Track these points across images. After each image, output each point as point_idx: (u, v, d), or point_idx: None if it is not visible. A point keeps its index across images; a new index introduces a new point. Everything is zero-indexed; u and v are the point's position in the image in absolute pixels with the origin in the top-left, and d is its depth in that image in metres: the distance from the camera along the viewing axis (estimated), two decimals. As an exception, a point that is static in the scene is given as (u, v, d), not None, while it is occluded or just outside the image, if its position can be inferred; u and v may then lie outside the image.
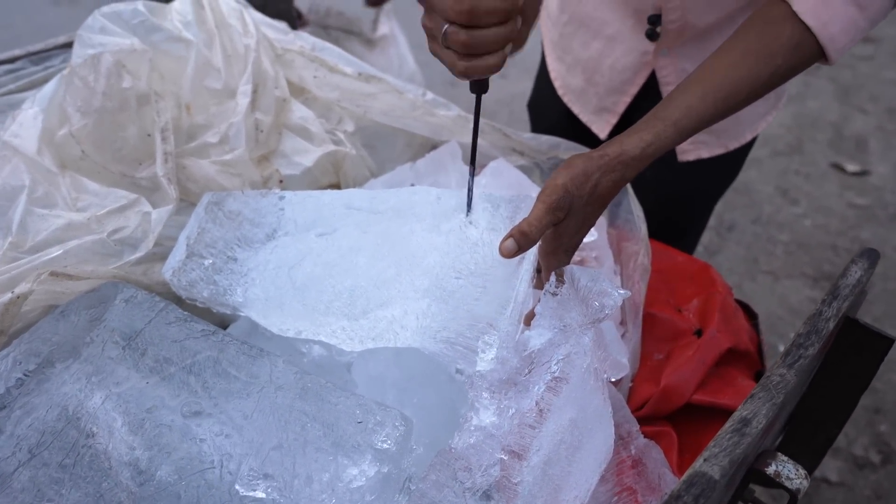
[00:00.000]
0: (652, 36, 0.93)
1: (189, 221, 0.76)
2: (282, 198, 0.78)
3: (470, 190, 0.70)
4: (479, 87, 0.61)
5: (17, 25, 3.35)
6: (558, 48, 1.08)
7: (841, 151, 2.73)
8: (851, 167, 2.63)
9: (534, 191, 0.88)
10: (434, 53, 0.57)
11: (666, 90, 0.98)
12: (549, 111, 1.18)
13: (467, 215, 0.71)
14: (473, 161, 0.68)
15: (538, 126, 1.24)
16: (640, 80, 0.99)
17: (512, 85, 3.07)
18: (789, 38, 0.67)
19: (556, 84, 1.12)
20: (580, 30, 1.01)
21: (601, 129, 1.07)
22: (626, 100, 1.02)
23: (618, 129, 1.07)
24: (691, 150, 1.03)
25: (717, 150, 1.03)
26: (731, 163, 1.08)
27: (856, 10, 0.66)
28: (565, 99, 1.11)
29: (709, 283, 0.90)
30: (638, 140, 0.65)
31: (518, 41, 0.65)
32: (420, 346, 0.68)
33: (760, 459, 0.65)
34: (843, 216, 2.40)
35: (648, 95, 1.00)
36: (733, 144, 1.03)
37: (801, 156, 2.70)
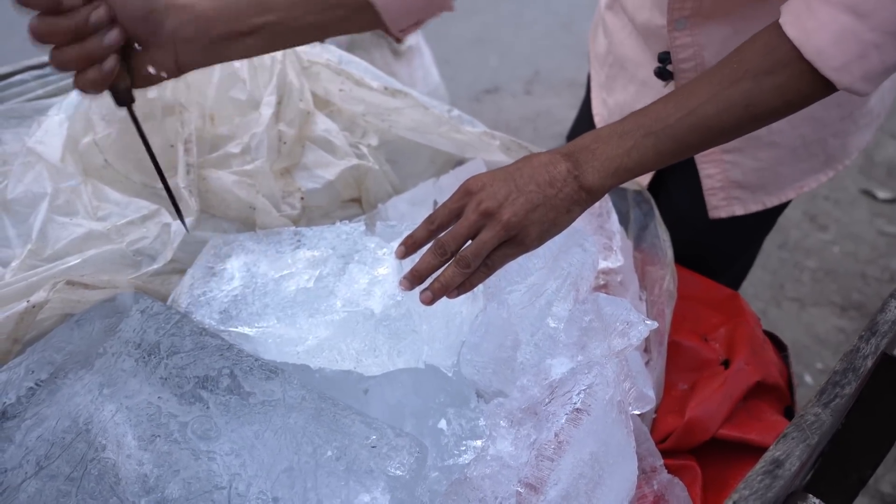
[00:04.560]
0: (662, 75, 0.87)
1: (195, 266, 0.75)
2: (297, 232, 0.77)
3: (173, 201, 0.69)
4: (119, 99, 0.63)
5: (51, 32, 3.41)
6: (604, 90, 1.05)
7: (872, 178, 2.67)
8: (882, 194, 2.57)
9: None
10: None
11: None
12: None
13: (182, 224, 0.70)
14: (162, 177, 0.67)
15: None
16: None
17: (536, 102, 3.06)
18: (763, 42, 0.62)
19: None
20: (622, 72, 0.98)
21: (643, 178, 1.03)
22: None
23: (658, 176, 1.02)
24: (724, 207, 0.96)
25: (754, 207, 0.96)
26: (762, 219, 1.01)
27: (852, 18, 0.57)
28: None
29: (737, 313, 0.87)
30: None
31: (152, 60, 0.63)
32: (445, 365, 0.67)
33: (790, 500, 0.62)
34: (873, 244, 2.35)
35: None
36: (771, 201, 0.96)
37: (831, 181, 2.63)
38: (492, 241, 0.61)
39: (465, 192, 0.64)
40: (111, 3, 0.58)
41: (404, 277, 0.64)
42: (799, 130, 0.89)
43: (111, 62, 0.59)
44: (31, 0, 0.56)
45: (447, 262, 0.63)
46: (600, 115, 1.08)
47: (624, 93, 0.98)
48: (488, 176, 0.64)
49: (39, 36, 0.57)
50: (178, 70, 0.65)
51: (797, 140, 0.89)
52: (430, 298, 0.63)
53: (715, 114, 0.62)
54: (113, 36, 0.59)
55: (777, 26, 0.62)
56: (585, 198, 0.64)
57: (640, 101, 0.94)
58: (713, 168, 0.93)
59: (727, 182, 0.94)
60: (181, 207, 0.77)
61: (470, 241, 0.63)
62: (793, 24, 0.60)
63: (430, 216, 0.65)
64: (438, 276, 0.63)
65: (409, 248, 0.65)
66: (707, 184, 0.95)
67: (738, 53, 0.63)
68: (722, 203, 0.96)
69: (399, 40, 0.75)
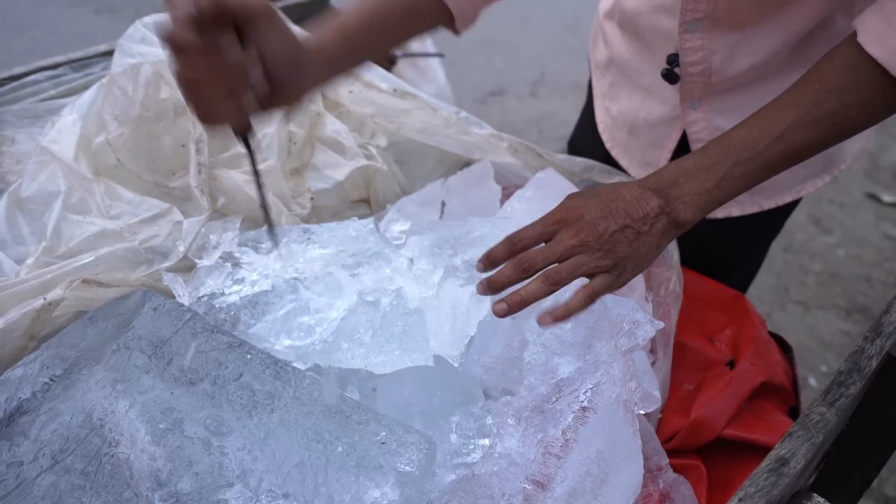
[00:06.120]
0: (670, 77, 0.87)
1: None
2: (307, 230, 0.78)
3: (270, 226, 0.68)
4: (240, 133, 0.61)
5: (60, 32, 3.44)
6: (606, 99, 1.05)
7: (877, 181, 2.67)
8: (888, 198, 2.57)
9: None
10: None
11: (696, 148, 0.92)
12: (586, 154, 1.16)
13: (275, 249, 0.71)
14: (265, 206, 0.67)
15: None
16: (676, 135, 0.94)
17: (542, 104, 3.07)
18: (843, 60, 0.62)
19: (604, 137, 1.08)
20: (625, 80, 0.98)
21: None
22: (666, 155, 0.97)
23: None
24: (721, 208, 0.95)
25: (750, 209, 0.97)
26: (767, 223, 1.01)
27: None
28: (613, 153, 1.07)
29: (741, 314, 0.87)
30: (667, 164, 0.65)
31: (284, 99, 0.63)
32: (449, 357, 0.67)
33: (794, 500, 0.63)
34: (878, 247, 2.35)
35: (686, 151, 0.94)
36: (768, 204, 0.97)
37: (836, 184, 2.65)
38: (589, 264, 0.62)
39: (560, 220, 0.63)
40: (261, 46, 0.57)
41: (480, 283, 0.63)
42: None
43: (251, 100, 0.58)
44: (184, 43, 0.53)
45: (527, 279, 0.63)
46: (604, 124, 1.08)
47: (630, 100, 0.98)
48: (583, 206, 0.64)
49: (189, 76, 0.55)
50: (298, 103, 0.66)
51: None
52: (504, 311, 0.62)
53: (803, 136, 0.63)
54: (257, 74, 0.58)
55: (855, 44, 0.62)
56: (675, 232, 0.66)
57: (644, 108, 0.95)
58: None
59: None
60: (193, 207, 0.78)
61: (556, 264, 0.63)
62: (874, 42, 0.61)
63: (514, 235, 0.64)
64: (519, 290, 0.63)
65: (486, 265, 0.65)
66: None
67: (816, 73, 0.64)
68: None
69: (458, 34, 0.82)
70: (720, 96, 0.87)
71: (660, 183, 0.65)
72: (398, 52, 1.94)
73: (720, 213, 0.97)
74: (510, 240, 0.64)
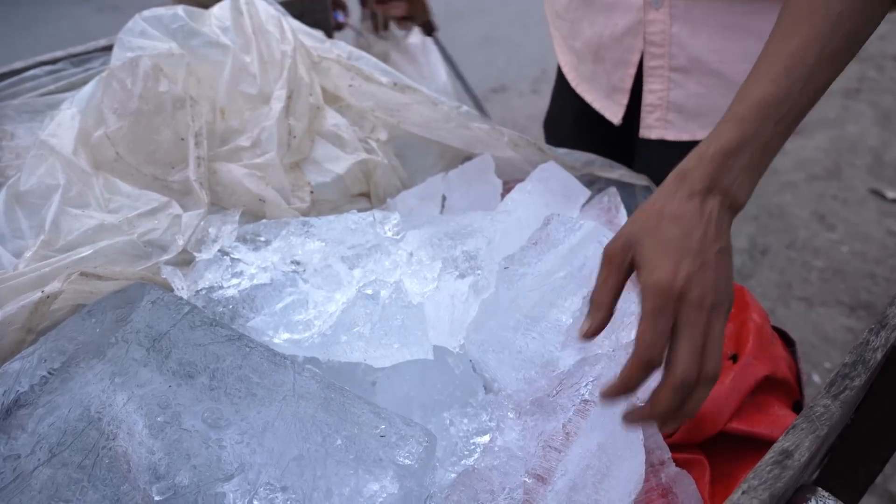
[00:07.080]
0: None
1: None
2: (306, 222, 0.77)
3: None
4: (426, 31, 0.81)
5: (62, 31, 3.44)
6: (569, 38, 1.07)
7: (881, 178, 2.66)
8: (892, 194, 2.56)
9: (583, 195, 0.86)
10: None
11: (650, 53, 0.93)
12: (558, 127, 1.16)
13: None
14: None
15: (551, 138, 1.25)
16: (640, 45, 0.95)
17: (543, 101, 3.05)
18: None
19: (570, 77, 1.10)
20: (586, 9, 1.00)
21: (614, 113, 1.03)
22: (630, 72, 0.98)
23: (630, 112, 1.03)
24: (656, 128, 0.98)
25: (683, 135, 0.96)
26: None
27: None
28: (579, 90, 1.09)
29: (744, 307, 0.87)
30: (696, 150, 0.58)
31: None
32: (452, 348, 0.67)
33: (799, 494, 0.62)
34: (882, 244, 2.34)
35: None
36: (702, 134, 0.91)
37: (839, 181, 2.64)
38: (723, 330, 0.53)
39: (674, 311, 0.52)
40: None
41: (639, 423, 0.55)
42: (746, 66, 0.88)
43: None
44: None
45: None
46: (569, 64, 1.10)
47: (593, 26, 1.00)
48: (671, 269, 0.52)
49: None
50: None
51: (741, 75, 0.86)
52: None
53: (830, 69, 0.59)
54: None
55: None
56: (733, 218, 0.58)
57: (609, 25, 0.97)
58: (658, 84, 0.96)
59: (667, 102, 0.96)
60: (192, 201, 0.77)
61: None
62: None
63: (644, 354, 0.52)
64: (685, 409, 0.54)
65: (622, 392, 0.54)
66: (647, 99, 0.97)
67: (814, 2, 0.59)
68: (656, 124, 0.98)
69: None
70: (682, 0, 0.88)
71: (708, 178, 0.56)
72: (341, 18, 1.94)
73: (654, 134, 0.98)
74: (645, 363, 0.52)
